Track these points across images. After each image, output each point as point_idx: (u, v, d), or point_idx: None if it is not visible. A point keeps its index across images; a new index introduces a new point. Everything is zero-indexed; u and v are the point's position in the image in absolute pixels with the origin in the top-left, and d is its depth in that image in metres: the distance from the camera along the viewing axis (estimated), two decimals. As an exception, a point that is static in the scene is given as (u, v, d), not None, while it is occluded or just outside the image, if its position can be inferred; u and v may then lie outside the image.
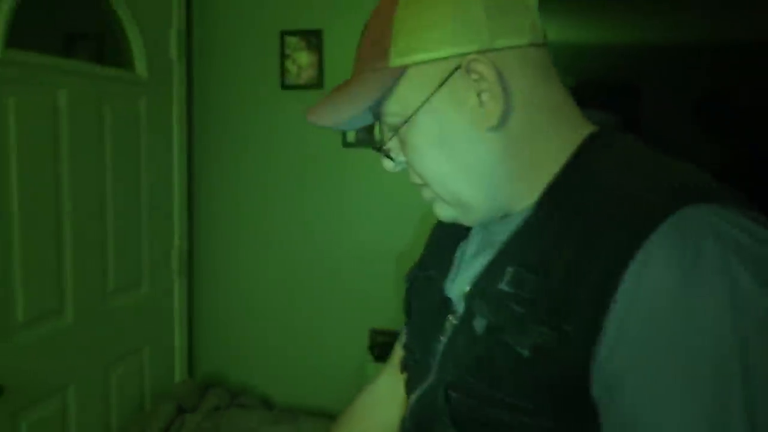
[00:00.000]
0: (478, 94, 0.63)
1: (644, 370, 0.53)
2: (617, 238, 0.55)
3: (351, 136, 2.17)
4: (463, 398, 0.64)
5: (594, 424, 0.57)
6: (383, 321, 2.19)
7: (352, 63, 0.73)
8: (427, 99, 0.65)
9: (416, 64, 0.64)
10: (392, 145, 0.72)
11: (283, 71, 2.20)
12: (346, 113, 0.67)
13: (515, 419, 0.59)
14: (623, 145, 0.67)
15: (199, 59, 2.31)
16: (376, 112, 0.70)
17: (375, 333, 2.17)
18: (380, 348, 2.13)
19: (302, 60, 2.18)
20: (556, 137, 0.66)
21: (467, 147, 0.65)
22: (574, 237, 0.59)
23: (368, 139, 2.16)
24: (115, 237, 1.94)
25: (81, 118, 1.77)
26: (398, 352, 0.96)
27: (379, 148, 0.72)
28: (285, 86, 2.22)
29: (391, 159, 0.73)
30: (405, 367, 0.82)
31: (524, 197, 0.67)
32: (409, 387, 0.78)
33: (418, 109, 0.65)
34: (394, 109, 0.67)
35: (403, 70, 0.65)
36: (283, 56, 2.19)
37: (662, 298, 0.52)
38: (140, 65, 2.04)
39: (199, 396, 2.19)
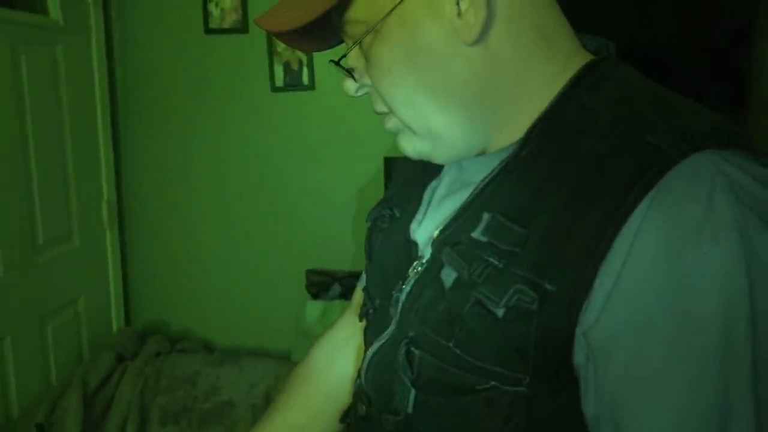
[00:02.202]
0: (457, 3, 0.53)
1: (639, 336, 0.46)
2: (615, 187, 0.48)
3: (279, 80, 2.18)
4: (426, 357, 0.57)
5: (571, 393, 0.52)
6: (318, 261, 2.26)
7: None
8: (398, 4, 0.55)
9: None
10: (355, 61, 0.62)
11: (206, 15, 2.17)
12: (302, 18, 0.55)
13: (484, 384, 0.53)
14: (624, 77, 0.58)
15: (118, 3, 2.23)
16: (339, 21, 0.59)
17: (311, 273, 2.23)
18: (317, 287, 2.21)
19: (225, 3, 2.15)
20: (546, 63, 0.57)
21: (441, 64, 0.56)
22: (564, 183, 0.51)
23: (297, 83, 2.17)
24: (41, 190, 1.90)
25: (-5, 66, 1.71)
26: (358, 295, 0.86)
27: (338, 63, 0.61)
28: (209, 30, 2.18)
29: (354, 79, 0.62)
30: (363, 314, 0.74)
31: (506, 132, 0.59)
32: (367, 338, 0.71)
33: (386, 16, 0.55)
34: (358, 15, 0.57)
35: None
36: (206, -1, 2.15)
37: (665, 257, 0.45)
38: (54, 10, 1.96)
39: (138, 344, 2.21)
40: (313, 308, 2.12)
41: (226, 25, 2.17)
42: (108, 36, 2.22)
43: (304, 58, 2.15)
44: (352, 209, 2.20)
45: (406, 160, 0.73)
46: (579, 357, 0.49)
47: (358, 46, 0.60)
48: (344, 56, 0.61)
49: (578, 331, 0.48)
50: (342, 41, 0.64)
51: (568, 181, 0.51)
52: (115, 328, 2.32)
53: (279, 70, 2.17)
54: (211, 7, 2.16)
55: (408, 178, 0.74)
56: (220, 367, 2.11)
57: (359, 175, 2.18)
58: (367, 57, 0.59)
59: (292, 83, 2.18)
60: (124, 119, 2.32)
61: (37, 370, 1.93)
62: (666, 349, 0.45)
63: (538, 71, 0.57)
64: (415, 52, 0.56)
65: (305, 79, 2.17)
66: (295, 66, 2.16)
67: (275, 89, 2.19)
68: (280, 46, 2.15)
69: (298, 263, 2.27)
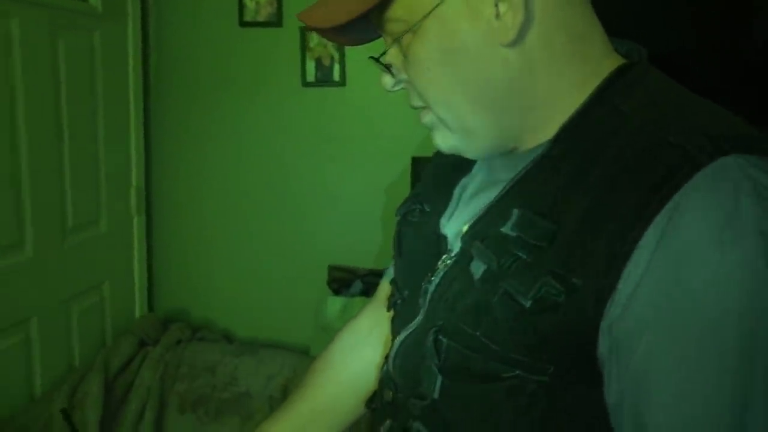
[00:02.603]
0: (496, 4, 0.55)
1: (661, 332, 0.48)
2: (642, 189, 0.50)
3: (310, 75, 2.18)
4: (453, 345, 0.59)
5: (592, 384, 0.53)
6: (341, 257, 2.26)
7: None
8: (438, 5, 0.57)
9: None
10: (393, 57, 0.63)
11: (242, 7, 2.18)
12: (344, 16, 0.58)
13: (508, 372, 0.55)
14: (655, 82, 0.59)
15: (155, -8, 2.26)
16: (379, 19, 0.62)
17: (333, 269, 2.23)
18: (338, 283, 2.21)
19: (261, -5, 2.15)
20: (579, 66, 0.59)
21: (478, 64, 0.58)
22: (594, 182, 0.53)
23: (328, 79, 2.17)
24: (72, 174, 1.93)
25: (34, 50, 1.73)
26: (384, 288, 0.89)
27: (375, 58, 0.64)
28: (243, 23, 2.19)
29: (391, 74, 0.64)
30: (392, 305, 0.77)
31: (537, 132, 0.61)
32: (395, 327, 0.73)
33: (426, 16, 0.57)
34: (399, 14, 0.59)
35: None
36: (242, -9, 2.17)
37: (690, 257, 0.47)
38: (93, -4, 1.99)
39: (160, 330, 2.23)
40: (334, 304, 2.12)
41: (260, 18, 2.18)
42: (144, 24, 2.24)
43: (336, 55, 2.16)
44: (377, 208, 2.20)
45: (437, 158, 0.78)
46: (603, 348, 0.51)
47: (394, 41, 0.62)
48: (384, 53, 0.63)
49: (603, 323, 0.50)
50: (377, 37, 0.66)
51: (596, 181, 0.53)
52: (137, 314, 2.35)
53: (311, 66, 2.18)
54: (247, -1, 2.17)
55: (438, 175, 0.76)
56: (239, 358, 2.12)
57: (386, 173, 2.18)
58: (405, 54, 0.61)
59: (323, 79, 2.18)
60: (155, 107, 2.34)
61: (61, 352, 1.96)
62: (688, 345, 0.47)
63: (570, 73, 0.59)
64: (452, 52, 0.58)
65: (336, 76, 2.17)
66: (326, 62, 2.17)
67: (306, 84, 2.19)
68: (313, 41, 2.15)
69: (320, 259, 2.27)
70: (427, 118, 0.65)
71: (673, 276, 0.47)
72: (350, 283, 2.20)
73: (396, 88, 0.66)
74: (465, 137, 0.62)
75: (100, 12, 2.00)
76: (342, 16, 0.58)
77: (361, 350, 0.89)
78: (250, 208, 2.34)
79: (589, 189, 0.53)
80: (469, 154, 0.65)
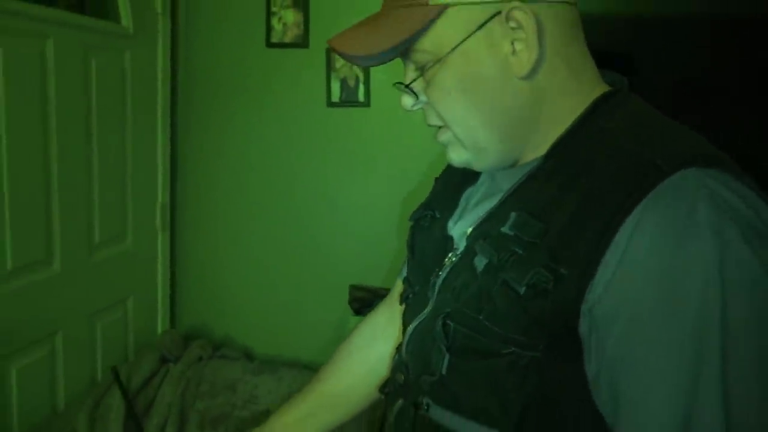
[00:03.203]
0: (512, 42, 0.65)
1: (630, 318, 0.57)
2: (617, 194, 0.59)
3: (335, 96, 2.21)
4: (459, 328, 0.68)
5: (577, 359, 0.62)
6: (362, 277, 2.26)
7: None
8: (463, 41, 0.65)
9: (456, 4, 0.65)
10: (416, 82, 0.71)
11: (269, 28, 2.21)
12: (375, 47, 0.66)
13: (506, 349, 0.64)
14: (634, 106, 0.69)
15: (185, 14, 2.30)
16: (403, 48, 0.69)
17: (354, 288, 2.24)
18: (359, 302, 2.21)
19: (288, 18, 2.19)
20: (575, 94, 0.69)
21: (494, 93, 0.67)
22: (578, 190, 0.62)
23: (353, 99, 2.19)
24: (101, 191, 1.96)
25: (67, 70, 1.77)
26: (398, 287, 1.00)
27: (403, 84, 0.72)
28: (270, 44, 2.23)
29: (416, 96, 0.72)
30: (404, 299, 0.86)
31: (535, 149, 0.70)
32: (407, 318, 0.82)
33: (452, 51, 0.66)
34: (426, 46, 0.67)
35: (442, 9, 0.65)
36: (270, 13, 2.20)
37: (653, 253, 0.56)
38: (125, 17, 2.03)
39: (182, 347, 2.24)
40: (355, 323, 2.12)
41: (287, 40, 2.21)
42: (173, 45, 2.28)
43: (361, 76, 2.18)
44: (400, 228, 2.20)
45: (445, 172, 0.91)
46: (584, 328, 0.60)
47: (417, 70, 0.70)
48: (414, 80, 0.72)
49: (584, 307, 0.59)
50: (390, 60, 0.72)
51: (581, 189, 0.62)
52: (159, 330, 2.37)
53: (336, 86, 2.20)
54: (274, 21, 2.20)
55: (447, 185, 0.87)
56: (259, 376, 2.13)
57: (409, 194, 2.18)
58: (428, 80, 0.70)
59: (348, 99, 2.20)
60: (182, 125, 2.37)
61: (84, 366, 1.98)
62: (652, 325, 0.56)
63: (568, 101, 0.69)
64: (473, 81, 0.67)
65: (361, 96, 2.19)
66: (351, 82, 2.19)
67: (331, 104, 2.22)
68: (339, 63, 2.17)
69: (341, 278, 2.28)
70: (445, 135, 0.73)
71: (639, 268, 0.56)
72: (371, 302, 2.20)
73: (414, 108, 0.74)
74: (477, 153, 0.71)
75: (131, 33, 2.05)
76: (375, 48, 0.66)
77: (376, 343, 1.00)
78: (272, 226, 2.36)
79: (575, 195, 0.62)
80: (477, 168, 0.73)
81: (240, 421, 2.00)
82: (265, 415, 2.02)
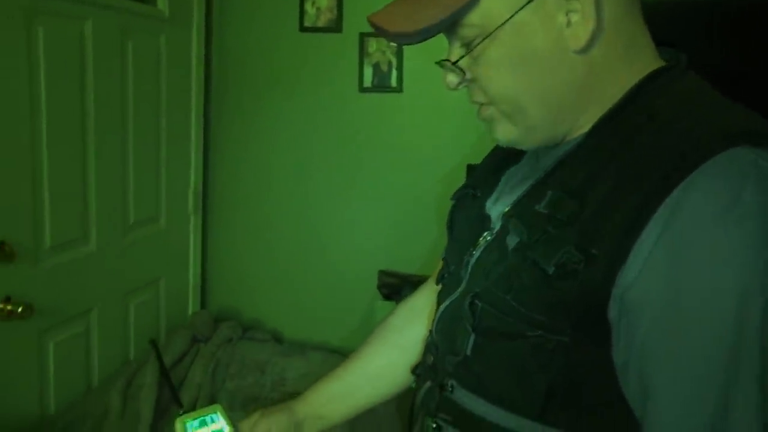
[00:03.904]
0: (567, 13, 0.61)
1: (664, 306, 0.54)
2: (656, 173, 0.55)
3: (368, 81, 2.20)
4: (487, 308, 0.66)
5: (604, 344, 0.59)
6: (391, 263, 2.27)
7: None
8: (514, 14, 0.61)
9: None
10: (462, 59, 0.67)
11: (302, 13, 2.22)
12: (421, 22, 0.62)
13: (533, 332, 0.61)
14: (687, 83, 0.65)
15: (219, -2, 2.32)
16: (450, 23, 0.65)
17: (383, 274, 2.24)
18: (388, 288, 2.21)
19: (322, 2, 2.19)
20: (628, 70, 0.65)
21: (547, 68, 0.63)
22: (619, 167, 0.59)
23: (385, 84, 2.18)
24: (135, 173, 1.99)
25: (105, 52, 1.79)
26: (439, 266, 0.96)
27: (449, 61, 0.68)
28: (303, 28, 2.23)
29: (463, 73, 0.68)
30: (440, 278, 0.84)
31: (583, 126, 0.67)
32: (441, 298, 0.80)
33: (502, 24, 0.62)
34: (474, 20, 0.63)
35: None
36: (303, -3, 2.20)
37: (694, 235, 0.52)
38: (161, 1, 2.05)
39: (212, 328, 2.27)
40: (385, 309, 2.12)
41: (320, 24, 2.21)
42: (207, 28, 2.30)
43: (394, 60, 2.17)
44: (430, 214, 2.20)
45: (490, 153, 0.88)
46: (613, 312, 0.57)
47: (464, 46, 0.66)
48: (461, 57, 0.67)
49: (614, 290, 0.56)
50: (437, 34, 0.67)
51: (621, 167, 0.59)
52: (190, 311, 2.40)
53: (368, 71, 2.20)
54: (308, 5, 2.21)
55: (490, 165, 0.84)
56: (288, 358, 2.15)
57: (440, 180, 2.17)
58: (475, 57, 0.66)
59: (381, 84, 2.20)
60: (216, 109, 2.39)
61: (118, 345, 2.02)
62: (688, 315, 0.53)
63: (621, 77, 0.65)
64: (524, 56, 0.63)
65: (393, 81, 2.18)
66: (384, 67, 2.18)
67: (363, 89, 2.22)
68: (372, 47, 2.17)
69: (371, 263, 2.28)
70: (488, 112, 0.70)
71: (677, 253, 0.53)
72: (400, 288, 2.20)
73: (459, 87, 0.70)
74: (525, 131, 0.68)
75: (167, 16, 2.07)
76: (421, 23, 0.62)
77: (414, 325, 0.97)
78: (303, 211, 2.37)
79: (614, 174, 0.59)
80: (523, 146, 0.71)
81: (269, 403, 2.02)
82: (293, 398, 2.05)
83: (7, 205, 1.54)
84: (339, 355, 2.19)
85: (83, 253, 1.81)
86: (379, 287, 2.22)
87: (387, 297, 2.20)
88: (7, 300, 1.54)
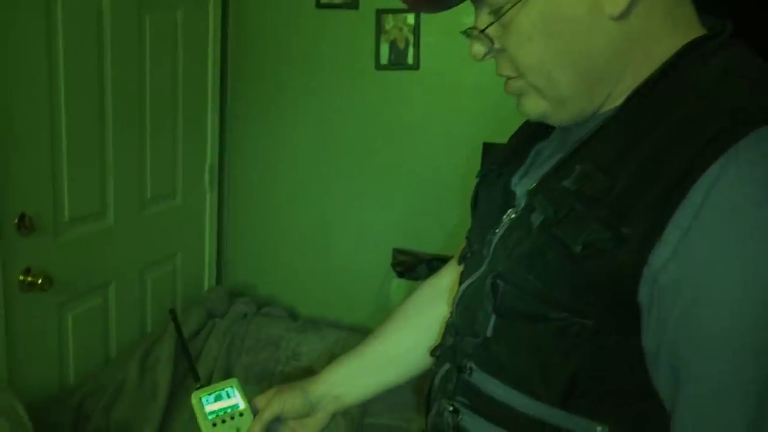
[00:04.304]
0: None
1: (701, 287, 0.51)
2: (693, 146, 0.52)
3: (384, 58, 2.19)
4: (509, 288, 0.63)
5: (632, 330, 0.56)
6: (406, 241, 2.27)
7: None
8: None
9: None
10: (491, 28, 0.63)
11: (319, -11, 2.20)
12: None
13: (556, 314, 0.59)
14: (730, 54, 0.60)
15: (236, -27, 2.31)
16: None
17: (398, 252, 2.24)
18: (402, 266, 2.22)
19: (339, -22, 2.17)
20: (668, 39, 0.60)
21: (582, 36, 0.59)
22: (653, 140, 0.55)
23: (401, 62, 2.17)
24: (152, 148, 2.00)
25: (123, 26, 1.80)
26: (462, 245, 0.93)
27: (476, 29, 0.64)
28: (320, 5, 2.22)
29: (491, 42, 0.64)
30: (463, 257, 0.81)
31: (617, 98, 0.63)
32: (463, 277, 0.77)
33: None
34: None
35: None
36: (320, -27, 2.19)
37: (735, 213, 0.49)
38: (179, -24, 2.04)
39: (227, 303, 2.30)
40: (399, 287, 2.13)
41: (337, 1, 2.19)
42: (224, 3, 2.29)
43: (411, 38, 2.15)
44: (445, 192, 2.19)
45: (520, 129, 0.83)
46: (644, 295, 0.54)
47: (492, 13, 0.62)
48: (489, 25, 0.63)
49: (645, 272, 0.53)
50: (456, 4, 0.65)
51: (655, 141, 0.55)
52: (206, 286, 2.42)
53: (385, 48, 2.18)
54: (325, -19, 2.19)
55: (518, 141, 0.79)
56: (302, 334, 2.17)
57: (456, 159, 2.16)
58: (505, 25, 0.62)
59: (397, 62, 2.18)
60: (232, 86, 2.39)
61: (135, 318, 2.05)
62: (728, 297, 0.50)
63: (660, 46, 0.60)
64: (558, 23, 0.59)
65: (410, 59, 2.17)
66: (401, 45, 2.16)
67: (380, 67, 2.20)
68: (389, 24, 2.15)
69: (386, 241, 2.28)
70: (516, 85, 0.66)
71: (715, 231, 0.50)
72: (414, 266, 2.20)
73: (486, 58, 0.67)
74: (556, 104, 0.64)
75: (184, -10, 2.06)
76: None
77: (437, 305, 0.92)
78: (318, 189, 2.37)
79: (648, 146, 0.55)
80: (554, 121, 0.67)
81: (283, 377, 2.05)
82: (308, 372, 2.07)
83: (27, 179, 1.56)
84: (353, 332, 2.20)
85: (101, 227, 1.83)
86: (394, 265, 2.23)
87: (401, 275, 2.20)
88: (27, 272, 1.57)
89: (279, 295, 2.49)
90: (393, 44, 2.17)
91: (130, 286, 2.00)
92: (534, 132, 0.76)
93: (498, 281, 0.65)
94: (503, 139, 0.85)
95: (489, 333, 0.66)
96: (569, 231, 0.57)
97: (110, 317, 1.93)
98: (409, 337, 0.93)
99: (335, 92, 2.28)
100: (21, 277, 1.56)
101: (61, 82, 1.61)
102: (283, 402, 0.88)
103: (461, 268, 0.82)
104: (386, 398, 1.86)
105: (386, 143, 2.26)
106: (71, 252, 1.72)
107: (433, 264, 2.16)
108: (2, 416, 1.36)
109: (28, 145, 1.54)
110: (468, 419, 0.69)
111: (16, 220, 1.53)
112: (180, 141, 2.15)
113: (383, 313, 2.17)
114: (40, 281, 1.57)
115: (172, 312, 0.98)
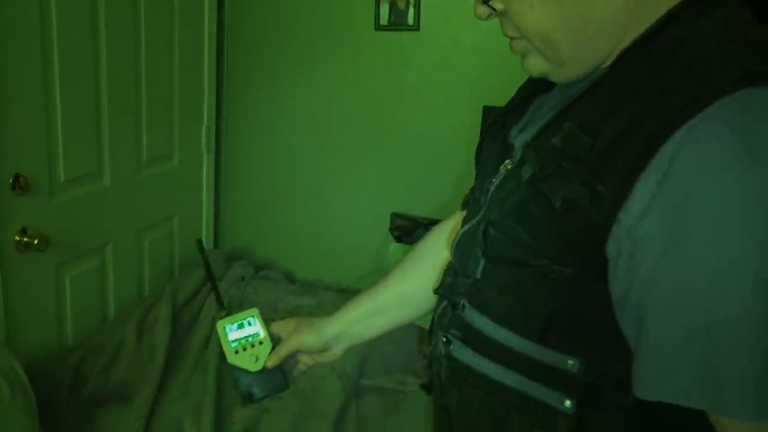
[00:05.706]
0: None
1: (670, 243, 0.53)
2: (672, 103, 0.53)
3: (384, 19, 2.14)
4: (498, 236, 0.68)
5: (606, 279, 0.60)
6: (404, 205, 2.26)
7: None
8: None
9: None
10: None
11: (318, -54, 2.14)
12: None
13: (537, 262, 0.63)
14: (727, 14, 0.60)
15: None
16: None
17: (396, 216, 2.24)
18: (400, 230, 2.21)
19: (338, -65, 2.11)
20: (668, 3, 0.61)
21: (583, 3, 0.61)
22: (635, 102, 0.57)
23: (402, 22, 2.13)
24: (148, 110, 1.98)
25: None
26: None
27: None
28: (319, -37, 2.16)
29: (494, 7, 0.67)
30: (464, 204, 0.86)
31: (611, 59, 0.65)
32: (464, 222, 0.82)
33: None
34: None
35: None
36: (319, -70, 2.13)
37: (705, 172, 0.51)
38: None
39: (225, 266, 2.30)
40: (397, 250, 2.13)
41: (336, -42, 2.14)
42: (220, -38, 2.24)
43: (412, -2, 2.11)
44: (445, 156, 2.17)
45: (526, 83, 0.85)
46: (611, 249, 0.58)
47: None
48: None
49: (615, 227, 0.56)
50: None
51: (638, 102, 0.57)
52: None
53: (385, 9, 2.13)
54: (324, -62, 2.13)
55: (523, 95, 0.82)
56: (300, 297, 2.17)
57: (455, 122, 2.14)
58: None
59: (397, 23, 2.14)
60: (230, 47, 2.35)
61: (133, 279, 2.05)
62: (694, 253, 0.52)
63: (658, 8, 0.61)
64: None
65: (410, 20, 2.12)
66: (401, 5, 2.12)
67: (379, 28, 2.16)
68: (389, -16, 2.10)
69: (384, 205, 2.27)
70: (521, 45, 0.69)
71: (685, 191, 0.52)
72: (412, 230, 2.20)
73: (489, 19, 0.69)
74: (556, 65, 0.67)
75: (180, -53, 2.01)
76: None
77: (444, 250, 0.97)
78: (317, 150, 2.35)
79: (630, 108, 0.57)
80: (555, 79, 0.70)
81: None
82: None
83: (21, 139, 1.54)
84: (350, 295, 2.19)
85: (97, 189, 1.82)
86: (391, 229, 2.22)
87: (399, 239, 2.20)
88: (24, 232, 1.56)
89: (276, 258, 2.49)
90: (393, 4, 2.13)
91: (127, 248, 1.99)
92: (537, 85, 0.79)
93: (489, 228, 0.70)
94: (504, 103, 0.86)
95: (479, 275, 0.72)
96: (552, 187, 0.61)
97: (108, 278, 1.93)
98: (417, 280, 0.99)
99: (334, 53, 2.24)
100: (17, 237, 1.55)
101: (54, 41, 1.57)
102: (299, 339, 0.96)
103: (465, 213, 0.87)
104: (382, 361, 1.88)
105: (385, 106, 2.23)
106: (68, 213, 1.71)
107: (430, 228, 2.15)
108: (0, 376, 1.37)
109: (21, 105, 1.52)
110: (458, 349, 0.76)
111: (10, 180, 1.51)
112: (176, 102, 2.12)
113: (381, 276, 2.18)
114: (36, 242, 1.56)
115: (199, 241, 1.04)
